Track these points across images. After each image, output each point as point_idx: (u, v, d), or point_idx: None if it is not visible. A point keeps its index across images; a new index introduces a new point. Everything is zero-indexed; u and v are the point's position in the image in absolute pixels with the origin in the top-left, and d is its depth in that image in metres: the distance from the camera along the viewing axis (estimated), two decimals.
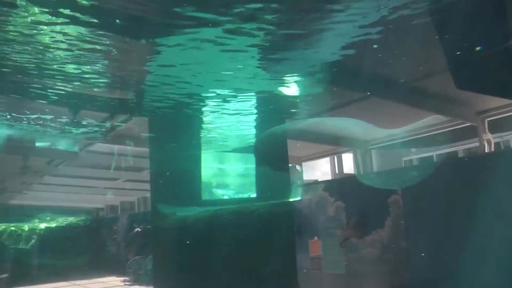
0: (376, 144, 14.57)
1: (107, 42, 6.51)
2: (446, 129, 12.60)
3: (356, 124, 10.38)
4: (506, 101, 10.63)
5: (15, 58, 6.94)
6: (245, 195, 10.53)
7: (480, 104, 11.13)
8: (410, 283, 10.93)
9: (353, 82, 8.73)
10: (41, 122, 10.74)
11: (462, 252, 9.49)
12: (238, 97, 9.07)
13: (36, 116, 10.30)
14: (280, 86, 8.78)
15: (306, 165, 18.35)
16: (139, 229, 22.84)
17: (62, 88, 8.42)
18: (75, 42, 6.38)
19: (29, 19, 5.75)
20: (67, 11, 5.61)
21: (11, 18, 5.71)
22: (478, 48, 4.81)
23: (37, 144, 13.66)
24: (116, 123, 11.13)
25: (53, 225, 27.90)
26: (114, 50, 6.86)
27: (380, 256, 11.70)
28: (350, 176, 16.37)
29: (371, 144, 14.58)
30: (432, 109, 11.04)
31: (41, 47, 6.55)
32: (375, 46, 6.98)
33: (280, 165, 9.70)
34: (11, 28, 5.94)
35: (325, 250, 13.31)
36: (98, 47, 6.60)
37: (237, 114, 10.04)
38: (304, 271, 11.91)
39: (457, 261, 9.79)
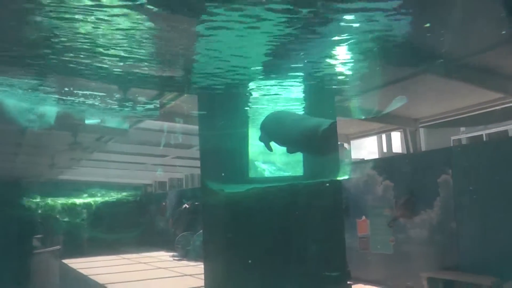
0: (425, 122, 14.41)
1: (156, 19, 6.61)
2: (497, 107, 12.35)
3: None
4: None
5: (65, 36, 7.11)
6: (292, 173, 10.58)
7: None
8: (459, 265, 10.91)
9: (405, 57, 8.65)
10: (91, 99, 10.96)
11: None
12: (287, 73, 9.08)
13: (86, 93, 10.52)
14: (329, 61, 8.73)
15: (354, 143, 18.28)
16: (187, 205, 23.26)
17: (111, 66, 8.59)
18: (124, 19, 6.49)
19: None
20: None
21: None
22: None
23: (87, 121, 14.00)
24: (165, 101, 11.32)
25: (103, 200, 28.62)
26: (163, 27, 6.96)
27: (429, 236, 11.69)
28: (399, 155, 16.29)
29: (421, 122, 14.44)
30: (485, 85, 10.86)
31: (90, 26, 6.69)
32: (427, 24, 6.92)
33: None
34: (62, 7, 6.10)
35: (373, 230, 13.38)
36: (147, 24, 6.71)
37: (285, 91, 10.06)
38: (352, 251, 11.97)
39: (507, 242, 9.72)
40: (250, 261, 8.64)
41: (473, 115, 12.91)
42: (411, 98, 12.07)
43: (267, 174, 10.90)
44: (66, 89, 10.24)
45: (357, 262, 12.60)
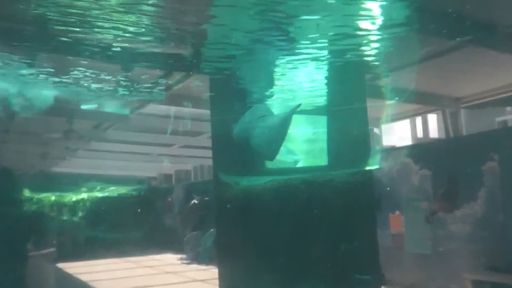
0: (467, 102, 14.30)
1: None
2: None
3: None
4: None
5: (61, 11, 7.11)
6: (316, 163, 10.55)
7: None
8: (508, 265, 10.84)
9: (445, 28, 8.57)
10: (88, 81, 10.96)
11: None
12: (308, 53, 9.04)
13: (83, 74, 10.50)
14: (357, 35, 8.66)
15: (385, 128, 18.20)
16: (195, 201, 23.33)
17: (111, 43, 8.60)
18: None
19: None
20: None
21: None
22: None
23: (83, 106, 14.03)
24: (172, 82, 11.32)
25: (103, 195, 28.73)
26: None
27: (473, 233, 11.63)
28: (437, 140, 16.20)
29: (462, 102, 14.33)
30: None
31: None
32: None
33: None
34: None
35: (408, 226, 13.33)
36: None
37: (307, 71, 10.03)
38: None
39: None
40: (279, 260, 8.67)
41: None
42: (451, 75, 12.00)
43: (287, 164, 10.88)
44: (60, 68, 10.24)
45: (391, 263, 12.55)
